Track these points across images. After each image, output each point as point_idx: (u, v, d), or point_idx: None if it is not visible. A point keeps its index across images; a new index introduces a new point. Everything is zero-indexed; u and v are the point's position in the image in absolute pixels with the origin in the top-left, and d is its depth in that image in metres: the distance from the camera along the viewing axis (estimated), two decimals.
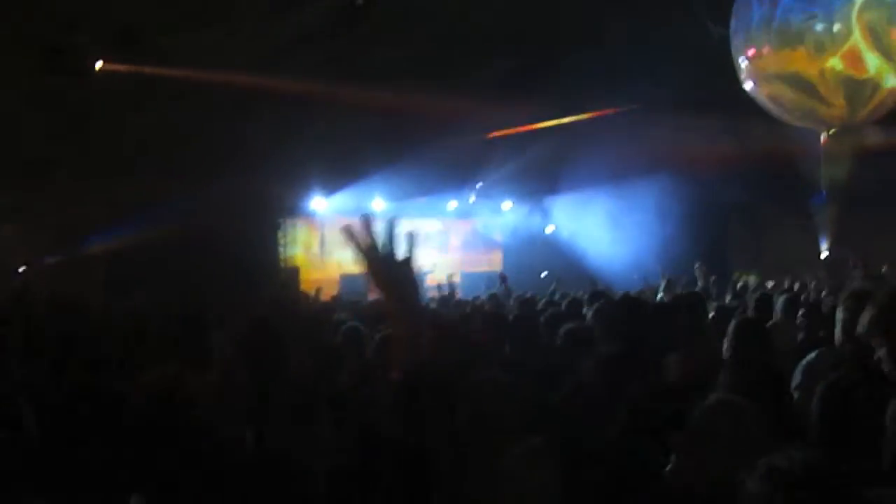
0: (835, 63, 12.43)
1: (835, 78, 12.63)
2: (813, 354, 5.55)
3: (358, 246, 2.55)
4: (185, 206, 16.18)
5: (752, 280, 15.75)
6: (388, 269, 2.56)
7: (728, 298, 12.22)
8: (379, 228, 2.58)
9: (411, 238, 2.61)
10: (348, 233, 2.54)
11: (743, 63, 13.75)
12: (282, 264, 21.73)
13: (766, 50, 13.28)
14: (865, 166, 15.45)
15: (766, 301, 8.91)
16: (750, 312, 8.14)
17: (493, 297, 13.27)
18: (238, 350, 4.27)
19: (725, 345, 5.35)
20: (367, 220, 2.57)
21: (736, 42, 13.76)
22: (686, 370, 5.02)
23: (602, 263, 21.06)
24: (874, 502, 2.47)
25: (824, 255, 16.59)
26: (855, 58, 12.44)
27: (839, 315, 4.54)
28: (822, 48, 12.49)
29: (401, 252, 2.58)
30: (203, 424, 3.55)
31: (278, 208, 21.22)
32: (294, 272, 21.27)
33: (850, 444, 3.77)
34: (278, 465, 3.51)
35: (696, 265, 13.35)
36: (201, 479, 3.25)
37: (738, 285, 14.40)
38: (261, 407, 3.83)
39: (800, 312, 7.13)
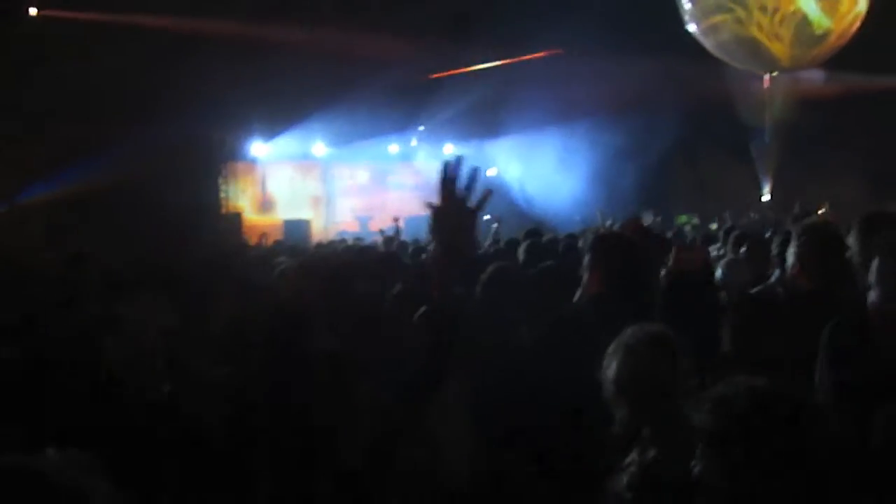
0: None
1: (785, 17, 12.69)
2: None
3: (447, 188, 2.52)
4: (124, 152, 15.90)
5: (693, 222, 15.87)
6: (459, 215, 2.53)
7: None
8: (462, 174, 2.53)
9: (487, 190, 2.55)
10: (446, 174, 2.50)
11: (687, 4, 13.74)
12: (223, 210, 21.49)
13: None
14: (807, 109, 15.66)
15: (709, 240, 9.06)
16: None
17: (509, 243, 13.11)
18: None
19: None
20: (457, 163, 2.53)
21: None
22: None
23: (544, 206, 21.10)
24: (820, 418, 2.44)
25: (765, 196, 16.81)
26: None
27: (792, 248, 4.61)
28: None
29: (474, 201, 2.54)
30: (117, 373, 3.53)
31: (218, 153, 20.93)
32: (236, 218, 21.04)
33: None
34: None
35: (598, 210, 13.13)
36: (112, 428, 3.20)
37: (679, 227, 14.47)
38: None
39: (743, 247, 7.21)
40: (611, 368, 3.13)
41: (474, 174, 2.53)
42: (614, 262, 4.43)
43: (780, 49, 13.06)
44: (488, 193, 2.54)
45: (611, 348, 3.18)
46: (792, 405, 2.36)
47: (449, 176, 2.51)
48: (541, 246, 7.51)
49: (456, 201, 2.52)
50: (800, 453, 2.30)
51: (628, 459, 3.06)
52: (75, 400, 3.34)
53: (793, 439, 2.30)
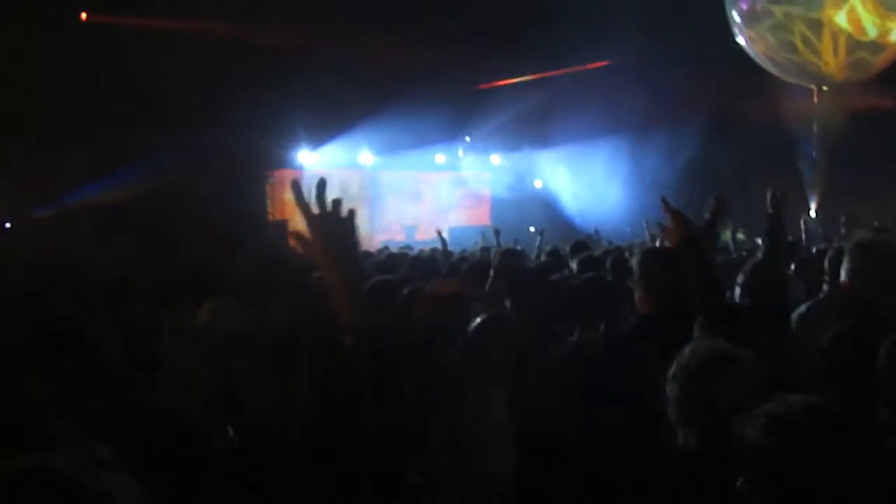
0: (837, 19, 12.35)
1: (834, 33, 12.56)
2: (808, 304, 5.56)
3: (301, 206, 2.48)
4: (171, 159, 16.06)
5: (739, 237, 15.70)
6: (327, 227, 2.50)
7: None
8: (312, 189, 2.48)
9: (338, 199, 2.51)
10: (295, 191, 2.45)
11: (737, 17, 13.64)
12: (270, 217, 21.62)
13: (759, 5, 13.19)
14: (857, 124, 15.47)
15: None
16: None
17: (484, 250, 13.16)
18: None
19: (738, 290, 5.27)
20: (296, 183, 2.48)
21: None
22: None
23: (591, 217, 21.05)
24: (884, 452, 2.42)
25: (813, 212, 16.62)
26: (855, 20, 12.37)
27: (845, 265, 4.55)
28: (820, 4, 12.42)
29: (338, 210, 2.51)
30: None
31: (265, 161, 21.07)
32: (283, 225, 21.15)
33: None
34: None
35: (645, 222, 13.07)
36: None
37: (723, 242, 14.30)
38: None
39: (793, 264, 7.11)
40: (674, 391, 3.01)
41: (321, 186, 2.48)
42: (663, 280, 4.33)
43: (828, 63, 12.93)
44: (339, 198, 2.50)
45: (672, 369, 3.05)
46: (846, 423, 2.32)
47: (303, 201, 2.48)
48: (593, 259, 7.48)
49: (319, 218, 2.49)
50: (852, 472, 2.26)
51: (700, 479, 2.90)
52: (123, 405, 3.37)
53: (845, 458, 2.27)
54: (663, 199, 4.34)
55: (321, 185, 2.46)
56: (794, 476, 2.28)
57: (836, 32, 12.50)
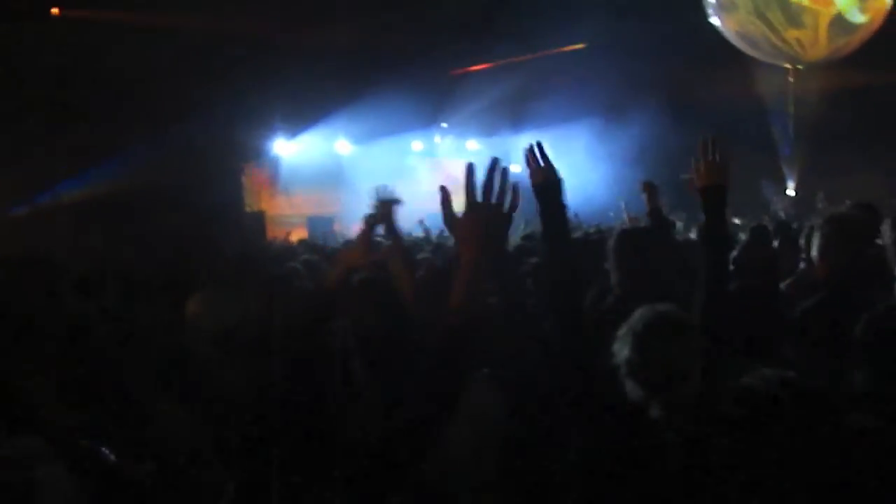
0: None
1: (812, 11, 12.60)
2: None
3: (472, 190, 2.49)
4: (148, 153, 15.97)
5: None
6: (489, 216, 2.51)
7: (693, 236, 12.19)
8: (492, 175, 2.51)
9: (515, 191, 2.53)
10: (471, 173, 2.48)
11: None
12: (246, 209, 21.54)
13: None
14: (833, 103, 15.55)
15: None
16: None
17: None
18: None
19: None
20: (494, 164, 2.51)
21: None
22: None
23: (570, 201, 21.07)
24: (849, 423, 2.48)
25: (790, 191, 16.73)
26: None
27: (816, 240, 4.59)
28: None
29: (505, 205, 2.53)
30: None
31: (241, 152, 20.99)
32: (260, 216, 21.09)
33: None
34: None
35: (623, 204, 13.06)
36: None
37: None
38: None
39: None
40: (622, 353, 3.15)
41: (504, 174, 2.50)
42: (636, 261, 4.37)
43: (804, 41, 12.96)
44: (516, 195, 2.51)
45: (621, 331, 3.19)
46: (817, 396, 2.39)
47: (484, 181, 2.49)
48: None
49: (488, 206, 2.49)
50: (822, 443, 2.33)
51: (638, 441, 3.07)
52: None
53: (815, 429, 2.34)
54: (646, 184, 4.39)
55: (504, 173, 2.50)
56: (765, 446, 2.35)
57: (814, 10, 12.52)
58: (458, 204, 2.50)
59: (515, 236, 11.25)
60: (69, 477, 1.89)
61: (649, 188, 6.02)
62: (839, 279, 4.33)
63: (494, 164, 2.50)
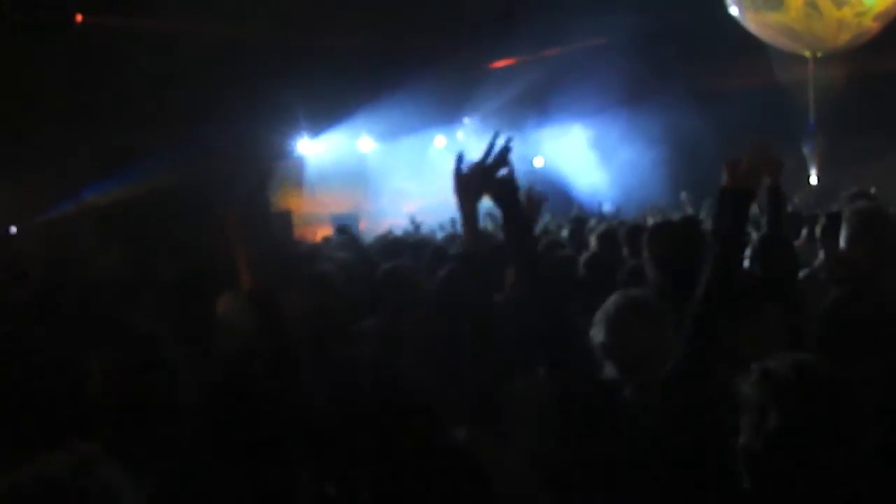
0: None
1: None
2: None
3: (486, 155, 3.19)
4: (173, 156, 16.10)
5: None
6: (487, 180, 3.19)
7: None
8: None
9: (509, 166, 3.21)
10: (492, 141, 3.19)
11: None
12: (272, 209, 21.61)
13: None
14: (854, 90, 15.45)
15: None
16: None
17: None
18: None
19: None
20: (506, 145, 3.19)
21: None
22: None
23: (594, 193, 21.11)
24: (864, 401, 2.53)
25: (812, 180, 16.64)
26: None
27: (844, 232, 4.63)
28: None
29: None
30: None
31: (266, 152, 21.10)
32: (286, 216, 21.18)
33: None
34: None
35: (682, 194, 13.27)
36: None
37: None
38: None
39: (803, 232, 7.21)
40: (598, 335, 3.41)
41: (507, 146, 3.21)
42: (670, 255, 4.42)
43: (822, 29, 12.91)
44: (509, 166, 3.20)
45: (597, 316, 3.46)
46: (831, 380, 2.46)
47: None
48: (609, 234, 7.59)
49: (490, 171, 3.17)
50: (837, 427, 2.40)
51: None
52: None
53: (830, 413, 2.40)
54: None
55: (505, 149, 3.20)
56: (781, 427, 2.41)
57: None
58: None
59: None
60: (125, 479, 1.98)
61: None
62: (867, 270, 4.37)
63: (496, 135, 3.21)
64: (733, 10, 13.89)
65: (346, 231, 10.54)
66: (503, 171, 3.23)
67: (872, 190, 12.98)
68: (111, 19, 14.67)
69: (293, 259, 8.14)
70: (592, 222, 12.50)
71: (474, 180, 3.22)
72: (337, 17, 16.06)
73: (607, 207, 17.78)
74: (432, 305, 4.84)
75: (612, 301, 3.46)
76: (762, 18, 13.62)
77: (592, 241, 7.36)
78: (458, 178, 3.25)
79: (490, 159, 3.21)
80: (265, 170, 21.28)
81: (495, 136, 3.22)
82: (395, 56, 17.59)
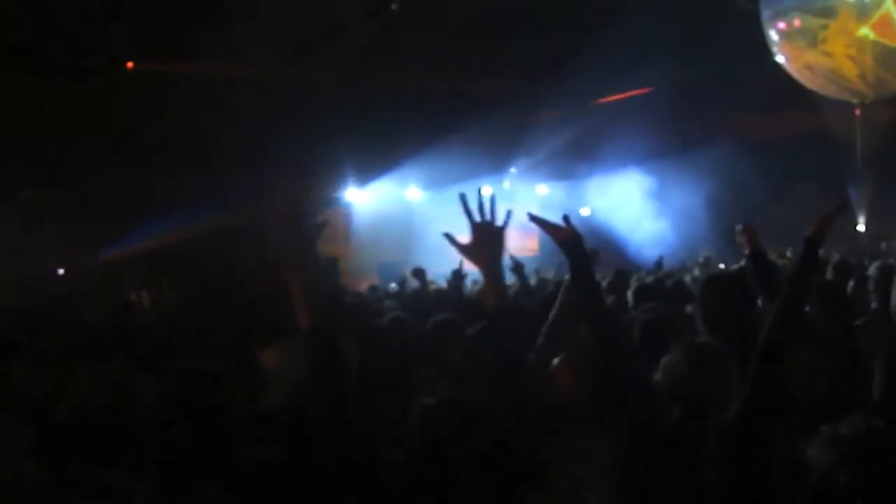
0: (866, 32, 12.28)
1: (867, 48, 12.49)
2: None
3: (472, 213, 3.30)
4: (221, 202, 16.27)
5: (787, 255, 15.64)
6: (489, 234, 3.29)
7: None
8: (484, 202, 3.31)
9: (509, 213, 3.32)
10: (464, 201, 3.30)
11: (774, 36, 13.63)
12: (320, 255, 21.71)
13: (797, 22, 13.18)
14: None
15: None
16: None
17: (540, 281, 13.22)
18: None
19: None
20: (464, 196, 3.32)
21: (766, 15, 13.64)
22: None
23: (640, 244, 21.05)
24: None
25: (861, 227, 16.51)
26: (886, 24, 12.30)
27: None
28: (854, 17, 12.36)
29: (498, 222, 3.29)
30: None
31: (313, 199, 21.27)
32: (333, 262, 21.26)
33: None
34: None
35: (737, 228, 13.08)
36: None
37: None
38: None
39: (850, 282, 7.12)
40: (663, 379, 3.58)
41: (492, 199, 3.32)
42: (724, 306, 4.44)
43: (864, 79, 12.83)
44: (509, 213, 3.32)
45: (663, 360, 3.62)
46: None
47: (480, 210, 3.29)
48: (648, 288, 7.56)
49: (488, 227, 3.29)
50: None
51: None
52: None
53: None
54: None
55: (492, 200, 3.31)
56: (848, 491, 2.37)
57: (868, 44, 12.41)
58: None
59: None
60: None
61: (750, 231, 5.89)
62: None
63: (479, 193, 3.35)
64: (779, 58, 13.86)
65: (421, 275, 10.67)
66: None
67: None
68: (162, 65, 14.90)
69: (341, 306, 8.18)
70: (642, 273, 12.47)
71: (493, 240, 3.33)
72: (386, 65, 16.22)
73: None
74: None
75: (677, 346, 3.62)
76: (810, 66, 13.57)
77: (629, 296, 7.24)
78: (478, 242, 3.35)
79: (488, 215, 3.33)
80: (311, 216, 21.43)
81: (479, 194, 3.36)
82: (442, 106, 17.71)
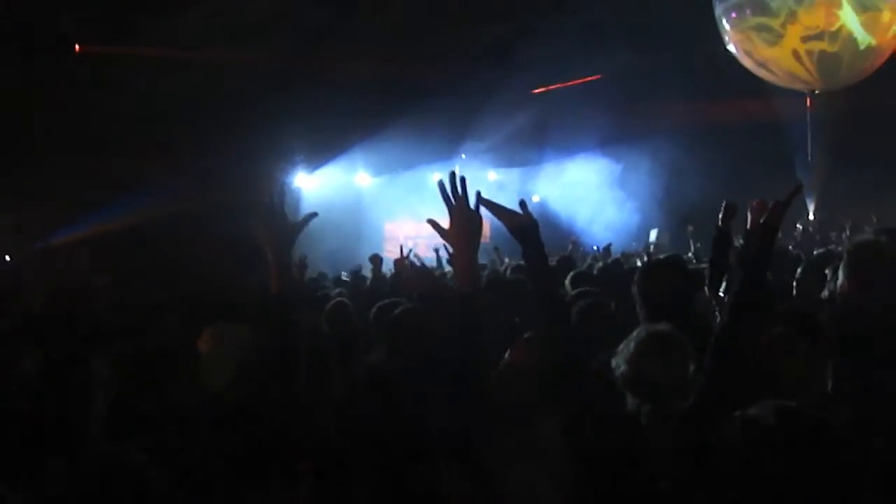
0: (810, 19, 12.37)
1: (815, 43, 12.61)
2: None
3: (450, 197, 3.22)
4: (170, 188, 16.07)
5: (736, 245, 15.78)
6: (467, 218, 3.22)
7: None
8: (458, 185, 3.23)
9: (478, 194, 3.25)
10: (442, 187, 3.22)
11: (726, 25, 13.68)
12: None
13: (748, 12, 13.23)
14: (854, 126, 15.46)
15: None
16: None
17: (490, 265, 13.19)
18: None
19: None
20: (453, 178, 3.23)
21: (718, 5, 13.68)
22: None
23: (591, 230, 21.08)
24: (845, 449, 2.47)
25: (811, 215, 16.67)
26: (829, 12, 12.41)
27: (843, 268, 4.59)
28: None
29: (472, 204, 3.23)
30: None
31: (264, 184, 21.07)
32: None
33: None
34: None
35: (689, 228, 13.22)
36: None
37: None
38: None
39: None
40: (619, 367, 3.52)
41: (463, 181, 3.23)
42: (661, 294, 4.40)
43: (818, 70, 12.93)
44: (478, 193, 3.25)
45: (619, 348, 3.57)
46: (816, 426, 2.41)
47: (453, 192, 3.21)
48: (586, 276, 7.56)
49: (465, 210, 3.21)
50: (821, 473, 2.34)
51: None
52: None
53: (814, 459, 2.34)
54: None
55: (462, 181, 3.22)
56: (761, 476, 2.36)
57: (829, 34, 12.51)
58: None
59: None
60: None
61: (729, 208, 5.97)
62: (881, 307, 4.30)
63: (452, 176, 3.23)
64: (731, 47, 13.92)
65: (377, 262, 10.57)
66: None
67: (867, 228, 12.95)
68: (110, 48, 14.66)
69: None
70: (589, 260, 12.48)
71: (473, 223, 3.25)
72: (334, 51, 16.08)
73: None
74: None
75: (634, 333, 3.58)
76: (759, 56, 13.63)
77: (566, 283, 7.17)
78: (457, 226, 3.26)
79: (462, 197, 3.25)
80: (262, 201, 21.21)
81: (451, 177, 3.25)
82: (392, 91, 17.62)
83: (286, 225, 3.54)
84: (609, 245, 14.46)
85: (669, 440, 3.21)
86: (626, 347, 3.54)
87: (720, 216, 5.93)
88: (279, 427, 3.38)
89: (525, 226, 3.42)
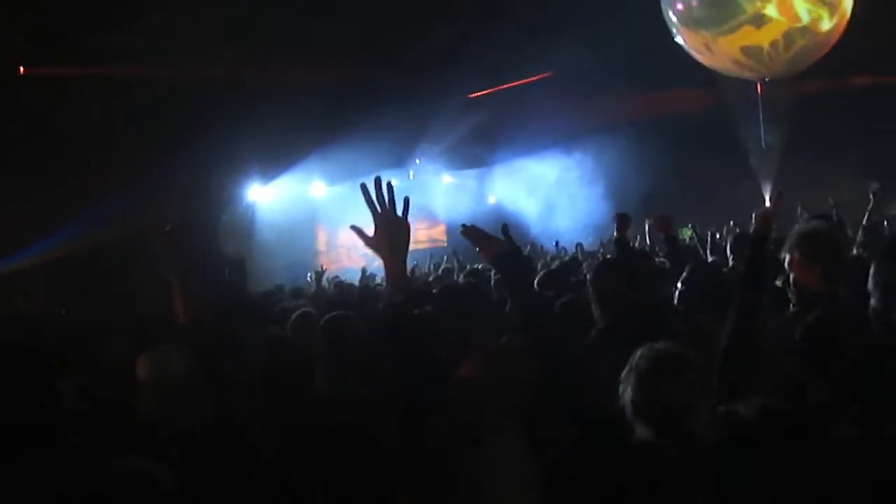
0: (768, 11, 12.38)
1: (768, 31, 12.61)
2: None
3: (374, 203, 3.14)
4: (121, 207, 15.86)
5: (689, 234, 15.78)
6: (393, 225, 3.14)
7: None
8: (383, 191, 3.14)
9: (406, 200, 3.15)
10: (365, 191, 3.14)
11: (673, 17, 13.66)
12: (226, 257, 21.36)
13: (695, 3, 13.22)
14: (805, 111, 15.56)
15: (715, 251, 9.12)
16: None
17: (446, 271, 13.17)
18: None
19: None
20: (378, 183, 3.15)
21: None
22: None
23: (547, 229, 21.09)
24: (829, 446, 2.47)
25: (766, 203, 16.73)
26: (787, 8, 12.43)
27: (786, 254, 4.58)
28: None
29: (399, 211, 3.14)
30: None
31: (218, 199, 20.90)
32: (240, 264, 20.91)
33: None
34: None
35: (647, 222, 13.23)
36: None
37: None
38: None
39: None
40: (626, 393, 3.20)
41: (389, 187, 3.15)
42: (615, 292, 4.40)
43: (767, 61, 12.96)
44: (407, 200, 3.16)
45: (624, 373, 3.26)
46: (796, 423, 2.41)
47: (378, 198, 3.13)
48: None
49: (391, 216, 3.14)
50: (802, 468, 2.33)
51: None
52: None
53: (795, 454, 2.34)
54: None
55: (389, 187, 3.14)
56: (741, 472, 2.35)
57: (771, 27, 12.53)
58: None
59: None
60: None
61: (621, 219, 6.01)
62: (830, 293, 4.31)
63: (378, 182, 3.16)
64: (679, 39, 13.91)
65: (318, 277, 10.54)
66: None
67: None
68: (55, 70, 14.46)
69: (243, 308, 8.08)
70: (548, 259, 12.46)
71: (397, 230, 3.17)
72: (285, 61, 15.97)
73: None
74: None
75: (641, 355, 3.27)
76: (709, 46, 13.63)
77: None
78: (382, 233, 3.19)
79: (389, 203, 3.17)
80: (216, 215, 21.05)
81: (377, 182, 3.17)
82: (343, 99, 17.55)
83: (189, 252, 3.53)
84: (558, 243, 14.46)
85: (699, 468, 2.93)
86: (635, 370, 3.24)
87: (614, 227, 6.02)
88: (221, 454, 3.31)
89: (505, 255, 3.35)
